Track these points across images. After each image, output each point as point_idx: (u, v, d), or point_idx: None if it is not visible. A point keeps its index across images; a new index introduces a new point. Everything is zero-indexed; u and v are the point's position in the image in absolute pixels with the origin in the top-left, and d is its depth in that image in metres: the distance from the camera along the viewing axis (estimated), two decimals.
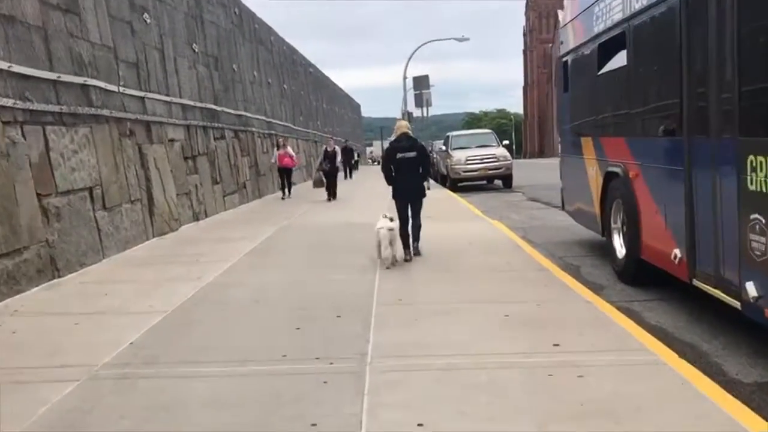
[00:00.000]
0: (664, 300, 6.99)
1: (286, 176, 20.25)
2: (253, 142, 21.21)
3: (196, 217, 14.34)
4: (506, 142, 26.08)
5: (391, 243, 8.44)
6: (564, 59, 10.17)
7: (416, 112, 40.62)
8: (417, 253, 9.11)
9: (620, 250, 7.89)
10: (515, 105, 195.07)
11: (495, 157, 23.28)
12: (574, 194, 10.05)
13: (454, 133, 27.26)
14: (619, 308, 6.45)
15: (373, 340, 5.34)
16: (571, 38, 9.72)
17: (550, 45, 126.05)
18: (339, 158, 19.53)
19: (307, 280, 7.85)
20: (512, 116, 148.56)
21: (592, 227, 9.26)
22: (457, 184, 23.55)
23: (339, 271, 8.34)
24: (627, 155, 7.34)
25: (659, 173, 6.50)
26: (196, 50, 15.95)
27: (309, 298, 6.92)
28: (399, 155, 9.04)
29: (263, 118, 23.40)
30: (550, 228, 12.66)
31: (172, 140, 13.52)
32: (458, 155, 23.54)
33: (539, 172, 34.13)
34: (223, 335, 5.67)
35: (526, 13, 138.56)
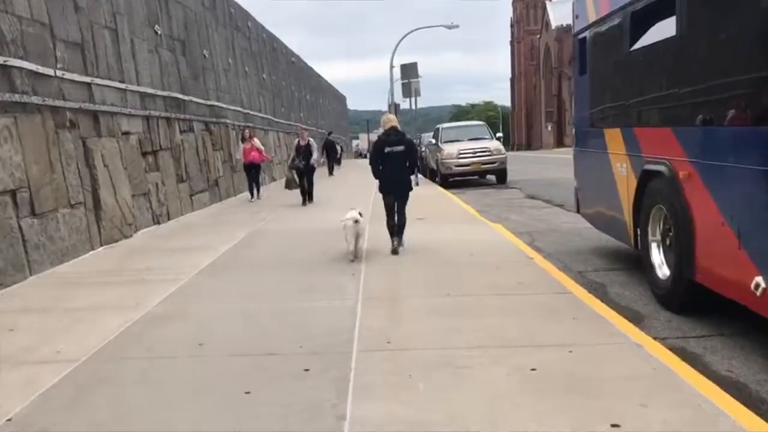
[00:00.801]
0: (725, 336, 5.45)
1: (254, 174, 17.60)
2: (228, 135, 19.52)
3: (156, 220, 12.68)
4: (499, 134, 24.53)
5: (358, 236, 8.49)
6: (581, 36, 8.60)
7: (404, 104, 39.00)
8: (400, 245, 9.10)
9: (662, 269, 6.34)
10: (501, 97, 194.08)
11: (489, 151, 21.74)
12: (594, 196, 8.50)
13: (445, 125, 25.65)
14: (672, 348, 4.93)
15: (351, 414, 3.76)
16: (590, 10, 8.14)
17: (538, 36, 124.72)
18: (315, 154, 16.00)
19: (272, 309, 6.24)
20: (500, 108, 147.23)
21: (620, 237, 7.71)
22: (448, 179, 22.00)
23: (311, 295, 6.73)
24: (675, 150, 5.77)
25: (729, 174, 4.94)
26: (159, 32, 14.25)
27: (270, 337, 5.32)
28: (387, 149, 9.01)
29: (239, 109, 21.70)
30: (559, 232, 11.12)
31: (127, 133, 11.84)
32: (449, 149, 21.97)
33: (531, 166, 32.71)
34: (140, 409, 4.04)
35: (513, 4, 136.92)
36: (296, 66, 39.26)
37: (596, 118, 8.11)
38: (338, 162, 41.04)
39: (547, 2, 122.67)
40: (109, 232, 10.45)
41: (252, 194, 17.61)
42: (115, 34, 11.80)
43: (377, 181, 9.36)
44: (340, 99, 74.32)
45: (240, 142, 17.60)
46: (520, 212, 14.22)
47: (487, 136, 23.20)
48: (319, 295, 6.69)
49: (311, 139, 16.19)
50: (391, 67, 34.29)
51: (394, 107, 30.97)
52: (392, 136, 9.09)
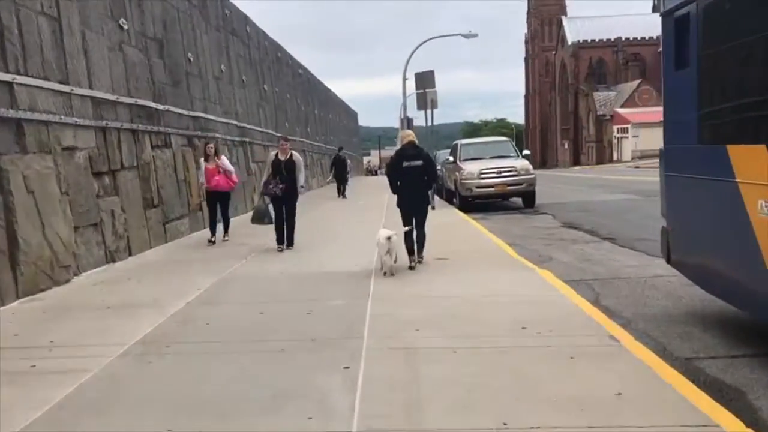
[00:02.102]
0: None
1: (219, 205, 12.57)
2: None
3: (110, 258, 10.13)
4: (527, 152, 21.85)
5: (390, 252, 8.45)
6: (679, 13, 5.99)
7: (418, 119, 36.51)
8: (420, 261, 9.21)
9: None
10: (513, 115, 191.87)
11: (515, 171, 19.08)
12: (705, 244, 5.83)
13: (464, 141, 23.00)
14: None
15: None
16: None
17: (553, 52, 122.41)
18: (302, 176, 11.47)
19: None
20: (513, 126, 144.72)
21: (752, 308, 5.06)
22: (469, 202, 19.36)
23: (283, 411, 4.11)
24: None
25: None
26: (125, 27, 11.78)
27: None
28: (405, 164, 9.12)
29: (233, 122, 19.22)
30: (626, 282, 8.43)
31: (70, 148, 9.33)
32: (470, 168, 19.34)
33: (556, 186, 29.99)
34: None
35: (527, 20, 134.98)
36: (303, 78, 36.90)
37: (712, 130, 5.47)
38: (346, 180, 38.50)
39: (563, 18, 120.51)
40: (31, 279, 7.90)
41: (213, 232, 12.52)
42: (56, 24, 9.32)
43: (396, 197, 9.43)
44: (351, 115, 72.02)
45: (202, 160, 12.65)
46: (564, 248, 11.54)
47: (512, 154, 20.56)
48: (292, 411, 4.08)
49: (295, 154, 11.47)
50: (404, 79, 31.80)
51: (407, 122, 28.40)
52: (410, 150, 9.22)
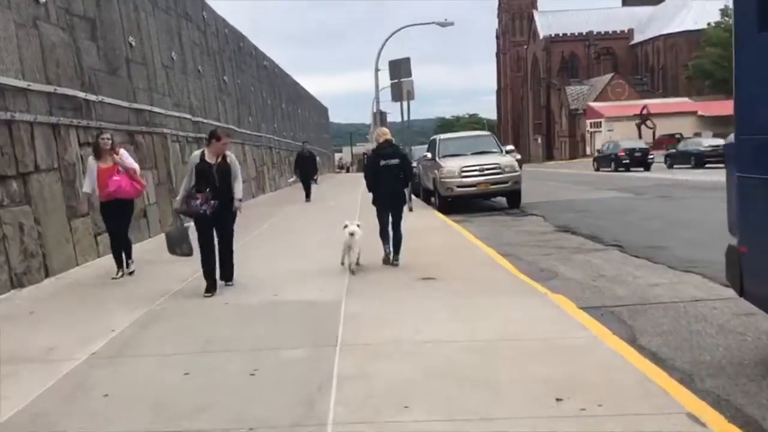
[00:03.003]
0: None
1: (117, 220, 9.04)
2: (166, 148, 15.04)
3: (17, 282, 8.18)
4: (510, 147, 20.13)
5: (351, 248, 8.51)
6: None
7: (391, 114, 34.72)
8: (396, 263, 9.00)
9: None
10: (484, 111, 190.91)
11: (499, 168, 17.37)
12: None
13: (443, 136, 21.15)
14: None
15: None
16: None
17: (525, 47, 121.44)
18: (238, 188, 7.83)
19: None
20: (485, 121, 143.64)
21: None
22: (448, 202, 17.63)
23: None
24: None
25: None
26: (42, 1, 9.79)
27: None
28: (382, 162, 9.06)
29: (187, 116, 17.24)
30: (662, 311, 6.66)
31: None
32: (450, 165, 17.58)
33: (536, 183, 28.38)
34: None
35: (498, 15, 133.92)
36: (269, 71, 34.87)
37: None
38: (315, 179, 36.31)
39: (534, 12, 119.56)
40: None
41: (119, 265, 9.05)
42: None
43: (371, 194, 9.38)
44: (322, 110, 70.01)
45: (91, 160, 8.92)
46: (567, 259, 9.82)
47: (495, 150, 18.83)
48: None
49: (230, 155, 7.88)
50: (376, 70, 30.10)
51: (380, 116, 26.64)
52: (387, 149, 9.19)
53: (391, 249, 9.10)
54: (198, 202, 7.45)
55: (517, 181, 17.55)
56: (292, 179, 23.70)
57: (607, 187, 23.43)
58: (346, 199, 21.52)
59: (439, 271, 8.33)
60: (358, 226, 8.69)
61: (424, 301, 6.77)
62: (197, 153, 7.86)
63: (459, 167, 17.35)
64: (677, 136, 75.63)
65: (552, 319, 6.02)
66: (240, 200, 7.84)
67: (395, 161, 9.08)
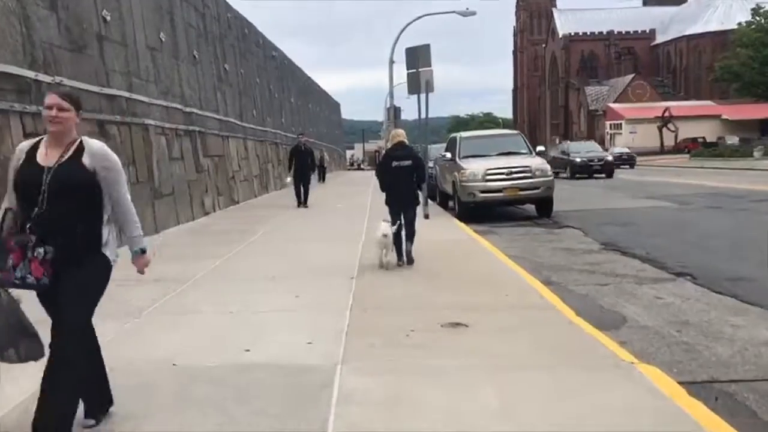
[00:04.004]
0: None
1: None
2: (147, 142, 13.05)
3: None
4: (541, 148, 17.96)
5: (386, 248, 8.70)
6: None
7: (406, 111, 32.63)
8: (410, 260, 9.09)
9: None
10: (498, 110, 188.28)
11: (529, 171, 15.27)
12: None
13: (465, 134, 19.00)
14: None
15: None
16: None
17: (543, 46, 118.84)
18: (134, 224, 3.76)
19: None
20: (500, 120, 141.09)
21: None
22: (470, 210, 15.54)
23: None
24: None
25: None
26: None
27: None
28: (394, 163, 9.16)
29: (176, 106, 15.25)
30: None
31: None
32: (473, 167, 15.48)
33: (562, 188, 26.03)
34: None
35: (516, 13, 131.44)
36: (278, 62, 32.87)
37: None
38: (322, 177, 34.02)
39: (554, 10, 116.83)
40: None
41: None
42: None
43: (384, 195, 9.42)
44: (334, 106, 68.04)
45: None
46: (629, 293, 7.70)
47: (524, 150, 16.72)
48: None
49: (96, 147, 3.68)
50: (391, 62, 28.10)
51: (394, 111, 24.57)
52: (399, 150, 9.31)
53: (405, 245, 9.10)
54: (10, 262, 3.39)
55: (549, 187, 15.43)
56: (287, 180, 19.62)
57: (643, 194, 21.22)
58: (355, 203, 19.47)
59: (470, 313, 6.26)
60: (393, 224, 8.84)
61: (454, 372, 4.69)
62: (24, 145, 3.73)
63: (483, 170, 15.25)
64: (700, 139, 73.30)
65: (650, 410, 3.96)
66: (143, 251, 3.81)
67: (407, 162, 9.16)
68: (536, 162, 15.70)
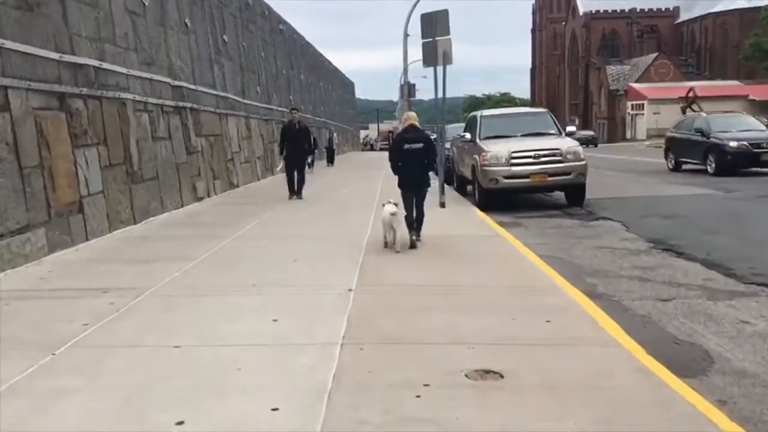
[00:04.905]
0: None
1: None
2: (123, 119, 11.39)
3: None
4: (572, 128, 16.09)
5: (393, 227, 8.57)
6: None
7: (420, 92, 30.75)
8: (418, 239, 9.05)
9: None
10: (515, 90, 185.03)
11: (560, 154, 13.50)
12: None
13: (486, 112, 17.11)
14: None
15: None
16: None
17: (563, 23, 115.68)
18: None
19: None
20: (518, 101, 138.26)
21: None
22: (492, 196, 13.82)
23: None
24: None
25: None
26: None
27: None
28: (406, 146, 9.21)
29: (163, 79, 13.57)
30: None
31: None
32: (496, 149, 13.72)
33: (590, 172, 24.25)
34: None
35: None
36: (286, 36, 31.05)
37: None
38: (330, 160, 31.83)
39: None
40: None
41: None
42: None
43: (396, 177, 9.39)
44: (348, 85, 66.12)
45: None
46: (705, 315, 5.99)
47: (552, 131, 14.91)
48: None
49: None
50: (405, 35, 26.26)
51: (408, 88, 22.75)
52: (411, 133, 9.33)
53: (415, 228, 9.12)
54: None
55: (582, 173, 13.64)
56: (279, 166, 16.71)
57: (680, 180, 19.32)
58: (364, 187, 17.78)
59: (503, 351, 4.59)
60: (395, 205, 8.68)
61: None
62: None
63: (507, 152, 13.48)
64: None
65: None
66: None
67: (419, 145, 9.20)
68: (567, 144, 13.89)
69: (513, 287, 6.66)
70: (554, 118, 15.69)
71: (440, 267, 7.61)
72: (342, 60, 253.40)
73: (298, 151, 15.38)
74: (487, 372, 4.22)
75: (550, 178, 13.44)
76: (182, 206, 13.71)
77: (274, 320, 5.43)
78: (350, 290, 6.40)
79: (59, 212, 8.92)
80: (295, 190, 15.36)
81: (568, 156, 13.52)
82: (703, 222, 11.36)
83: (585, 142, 40.03)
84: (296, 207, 14.03)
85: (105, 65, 10.78)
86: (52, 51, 9.18)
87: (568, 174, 13.45)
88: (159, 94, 13.22)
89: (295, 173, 15.39)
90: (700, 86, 75.77)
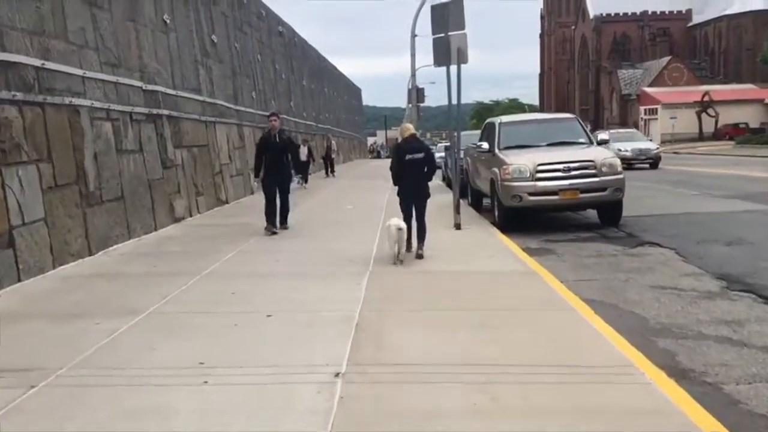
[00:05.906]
0: None
1: None
2: (75, 129, 9.51)
3: None
4: (604, 136, 14.04)
5: (398, 242, 8.47)
6: None
7: (429, 98, 28.99)
8: (420, 256, 8.84)
9: None
10: (523, 97, 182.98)
11: (593, 167, 11.56)
12: None
13: (506, 118, 15.01)
14: None
15: None
16: None
17: (573, 27, 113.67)
18: None
19: None
20: (526, 107, 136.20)
21: None
22: (516, 216, 11.89)
23: None
24: None
25: None
26: None
27: None
28: (408, 156, 9.14)
29: (133, 83, 11.70)
30: None
31: None
32: (519, 162, 11.77)
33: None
34: None
35: None
36: (286, 38, 29.24)
37: None
38: (331, 170, 29.51)
39: None
40: None
41: None
42: None
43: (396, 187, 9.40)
44: (354, 91, 64.31)
45: None
46: None
47: (582, 139, 12.96)
48: None
49: None
50: (413, 36, 24.35)
51: (417, 92, 20.85)
52: (412, 143, 9.32)
53: (415, 241, 9.05)
54: None
55: (619, 188, 11.68)
56: (254, 182, 13.70)
57: (719, 192, 17.29)
58: (370, 201, 15.88)
59: None
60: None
61: None
62: None
63: (532, 165, 11.54)
64: (742, 125, 68.44)
65: None
66: None
67: (420, 155, 9.12)
68: (602, 155, 11.93)
69: (572, 367, 4.71)
70: (583, 124, 13.71)
71: (466, 327, 5.67)
72: (350, 66, 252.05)
73: (278, 170, 11.74)
74: None
75: (582, 195, 11.48)
76: (155, 229, 11.84)
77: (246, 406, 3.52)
78: (338, 375, 4.47)
79: None
80: (276, 221, 11.66)
81: (603, 169, 11.56)
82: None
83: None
84: (283, 234, 11.78)
85: (50, 65, 8.91)
86: None
87: (604, 190, 11.49)
88: (126, 100, 11.36)
89: (278, 197, 11.81)
90: (715, 90, 73.84)
